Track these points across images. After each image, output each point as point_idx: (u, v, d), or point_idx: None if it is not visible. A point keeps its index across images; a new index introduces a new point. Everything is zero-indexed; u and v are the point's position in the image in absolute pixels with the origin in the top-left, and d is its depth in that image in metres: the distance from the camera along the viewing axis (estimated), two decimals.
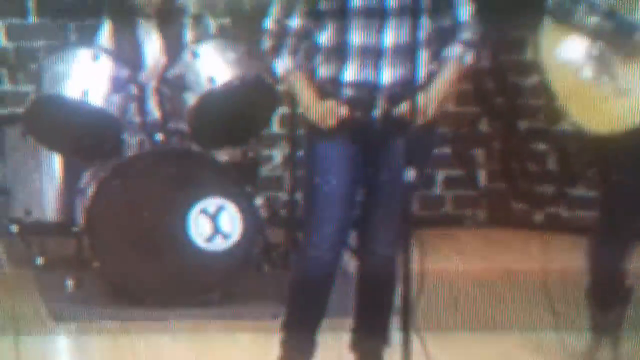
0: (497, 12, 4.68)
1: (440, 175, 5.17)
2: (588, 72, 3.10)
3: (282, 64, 2.96)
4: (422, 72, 2.84)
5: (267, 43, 2.98)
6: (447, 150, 5.11)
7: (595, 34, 3.06)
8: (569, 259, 3.67)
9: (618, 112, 3.07)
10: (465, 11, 2.94)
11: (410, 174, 2.68)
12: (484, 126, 5.20)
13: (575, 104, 3.15)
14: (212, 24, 4.24)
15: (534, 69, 4.67)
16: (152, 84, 4.04)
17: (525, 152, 5.10)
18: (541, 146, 5.05)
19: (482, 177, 5.24)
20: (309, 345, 3.02)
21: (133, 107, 4.04)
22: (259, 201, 4.10)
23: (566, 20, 3.09)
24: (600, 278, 3.27)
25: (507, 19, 4.80)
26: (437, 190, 5.19)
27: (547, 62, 3.17)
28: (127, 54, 4.07)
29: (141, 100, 4.04)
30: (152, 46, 4.14)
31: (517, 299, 3.94)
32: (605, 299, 3.26)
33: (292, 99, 3.07)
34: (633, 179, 3.14)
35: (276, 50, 2.96)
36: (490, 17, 4.69)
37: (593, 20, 3.04)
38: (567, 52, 3.13)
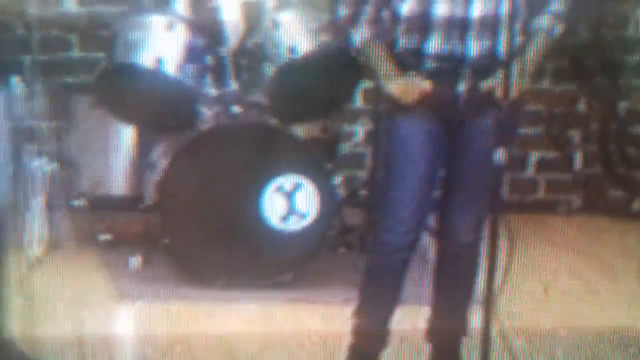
0: None
1: (533, 157, 5.13)
2: None
3: (360, 34, 2.94)
4: (510, 44, 2.77)
5: (344, 11, 2.95)
6: (540, 130, 5.08)
7: None
8: None
9: None
10: None
11: (499, 155, 2.65)
12: (581, 106, 5.14)
13: None
14: None
15: (638, 46, 4.85)
16: (232, 53, 4.02)
17: (626, 135, 5.04)
18: None
19: (578, 160, 5.17)
20: (382, 333, 3.03)
21: (209, 77, 4.03)
22: (337, 180, 4.09)
23: None
24: None
25: None
26: (529, 173, 5.14)
27: None
28: (205, 21, 4.06)
29: (218, 71, 4.04)
30: (230, 12, 4.12)
31: (612, 293, 3.93)
32: None
33: (372, 73, 2.99)
34: None
35: (354, 19, 2.93)
36: None
37: None
38: None
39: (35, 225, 2.96)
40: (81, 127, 4.31)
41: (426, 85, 2.87)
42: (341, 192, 4.18)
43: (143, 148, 4.21)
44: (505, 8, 2.79)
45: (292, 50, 3.84)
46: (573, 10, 2.93)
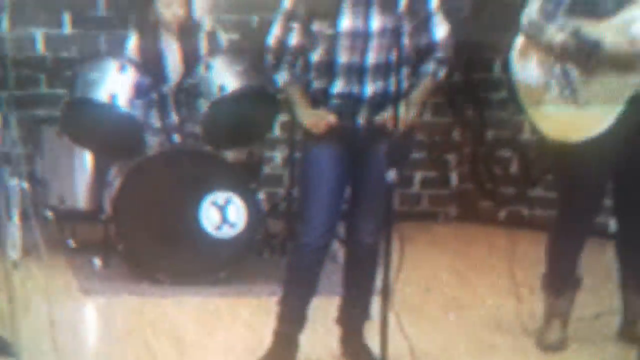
0: (470, 34, 4.77)
1: (418, 176, 5.19)
2: (552, 86, 3.05)
3: (281, 77, 2.97)
4: (400, 85, 2.80)
5: (268, 58, 2.98)
6: (423, 154, 5.13)
7: (560, 51, 2.99)
8: (528, 251, 3.66)
9: (577, 123, 3.04)
10: (439, 32, 2.92)
11: (391, 174, 2.69)
12: (456, 134, 5.21)
13: (538, 115, 3.11)
14: (223, 39, 4.19)
15: (500, 85, 4.82)
16: (172, 91, 4.02)
17: (492, 158, 5.10)
18: (506, 153, 5.04)
19: (454, 178, 5.25)
20: (301, 318, 3.03)
21: (154, 111, 4.02)
22: (261, 195, 4.10)
23: (536, 37, 3.02)
24: (554, 268, 3.25)
25: (480, 40, 4.84)
26: (415, 188, 5.20)
27: (514, 76, 3.14)
28: (151, 63, 4.04)
29: (161, 105, 4.02)
30: (173, 57, 4.11)
31: (483, 284, 3.97)
32: (558, 286, 3.24)
33: (290, 107, 3.05)
34: (586, 182, 3.11)
35: (276, 65, 2.97)
36: (463, 39, 4.82)
37: (560, 37, 2.97)
38: (534, 68, 3.09)
39: (13, 234, 2.93)
40: (49, 152, 4.29)
41: (332, 118, 2.89)
42: (264, 205, 4.18)
43: (100, 170, 4.20)
44: (394, 57, 2.80)
45: (222, 88, 3.83)
46: (452, 57, 2.95)
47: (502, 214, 5.06)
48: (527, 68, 3.12)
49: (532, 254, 3.49)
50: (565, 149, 3.05)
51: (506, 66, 3.19)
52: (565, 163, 3.14)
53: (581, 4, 2.99)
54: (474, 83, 5.12)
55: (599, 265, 3.74)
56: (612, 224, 3.44)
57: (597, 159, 3.05)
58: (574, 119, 3.05)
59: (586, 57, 2.97)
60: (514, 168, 5.06)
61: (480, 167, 5.16)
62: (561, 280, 3.25)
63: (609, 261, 3.43)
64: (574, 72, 3.01)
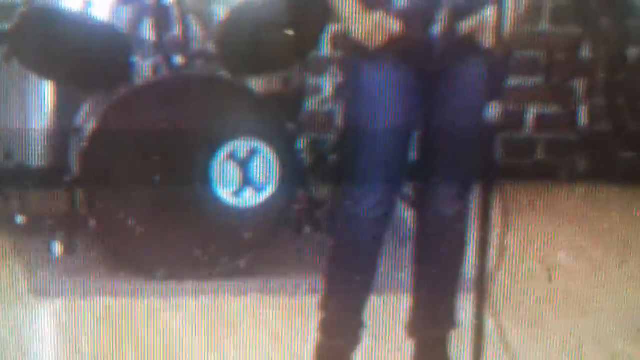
0: None
1: (531, 113, 5.15)
2: None
3: None
4: None
5: None
6: (540, 80, 5.10)
7: None
8: None
9: None
10: None
11: (488, 111, 2.66)
12: (586, 52, 5.14)
13: None
14: None
15: None
16: None
17: (636, 87, 5.05)
18: None
19: (582, 116, 5.19)
20: (354, 327, 3.03)
21: (147, 22, 4.01)
22: (302, 144, 4.07)
23: None
24: None
25: None
26: (527, 132, 5.17)
27: None
28: None
29: (158, 14, 3.98)
30: None
31: (621, 272, 3.96)
32: None
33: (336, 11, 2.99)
34: None
35: None
36: None
37: None
38: None
39: None
40: None
41: (396, 26, 2.85)
42: (307, 158, 4.15)
43: (66, 109, 4.13)
44: None
45: None
46: None
47: None
48: None
49: None
50: None
51: None
52: None
53: None
54: None
55: None
56: None
57: None
58: None
59: None
60: None
61: (621, 100, 5.10)
62: None
63: None
64: None
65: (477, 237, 2.65)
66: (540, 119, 5.16)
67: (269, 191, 3.87)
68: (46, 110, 4.23)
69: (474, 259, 2.67)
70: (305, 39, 4.02)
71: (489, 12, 2.78)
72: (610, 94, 5.13)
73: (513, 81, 4.89)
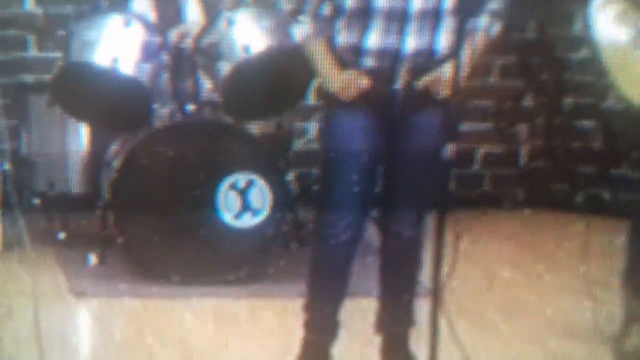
0: None
1: (480, 152, 5.16)
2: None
3: (302, 27, 2.88)
4: (448, 42, 2.78)
5: (286, 5, 2.94)
6: (488, 125, 5.10)
7: None
8: (609, 243, 3.61)
9: None
10: None
11: (442, 150, 2.62)
12: (528, 101, 5.17)
13: (626, 80, 3.06)
14: None
15: (582, 43, 4.75)
16: (188, 51, 4.01)
17: (570, 130, 5.06)
18: (586, 123, 5.02)
19: (523, 154, 5.22)
20: (332, 326, 3.00)
21: (165, 76, 4.01)
22: (290, 176, 4.12)
23: None
24: (635, 262, 3.20)
25: None
26: (476, 167, 5.18)
27: (597, 35, 3.08)
28: (163, 19, 4.07)
29: (173, 69, 4.01)
30: (192, 10, 4.15)
31: (553, 282, 3.93)
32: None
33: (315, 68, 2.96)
34: None
35: (297, 13, 2.88)
36: None
37: None
38: (620, 25, 3.05)
39: None
40: (37, 125, 4.30)
41: (364, 81, 2.83)
42: (294, 188, 4.20)
43: (98, 147, 4.20)
44: (446, 3, 2.79)
45: (246, 49, 3.81)
46: (515, 9, 2.93)
47: (580, 198, 5.05)
48: (609, 22, 3.07)
49: (613, 246, 3.46)
50: None
51: (587, 20, 3.13)
52: None
53: None
54: (550, 40, 5.09)
55: None
56: None
57: None
58: None
59: None
60: (596, 142, 5.01)
61: (556, 141, 5.11)
62: None
63: None
64: None
65: (434, 253, 2.61)
66: (487, 157, 5.16)
67: (263, 215, 3.89)
68: (82, 147, 4.26)
69: (431, 270, 2.63)
70: (293, 92, 4.01)
71: (445, 69, 2.77)
72: (548, 137, 5.12)
73: (465, 126, 4.84)
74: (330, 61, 2.86)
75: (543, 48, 5.09)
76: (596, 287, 3.37)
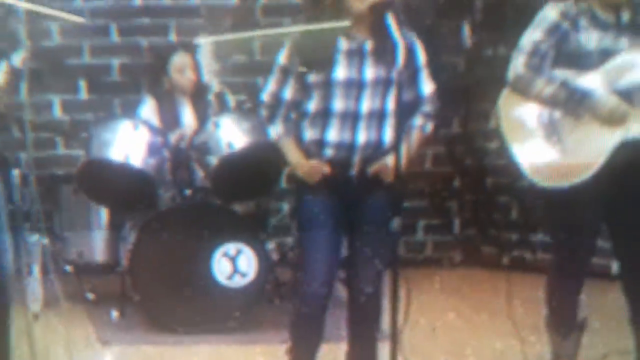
0: (465, 87, 4.94)
1: (422, 224, 5.18)
2: (540, 134, 3.03)
3: (275, 129, 2.95)
4: (391, 137, 2.82)
5: (263, 112, 2.97)
6: (426, 202, 5.14)
7: (551, 101, 2.99)
8: (533, 294, 3.55)
9: (565, 168, 3.01)
10: (426, 88, 2.94)
11: (394, 222, 2.66)
12: (456, 182, 5.22)
13: (530, 162, 3.05)
14: (230, 99, 4.25)
15: (497, 135, 4.94)
16: (183, 149, 4.05)
17: (492, 204, 5.10)
18: (505, 199, 5.04)
19: (456, 225, 5.25)
20: None
21: (166, 167, 4.04)
22: (270, 245, 4.12)
23: (525, 90, 3.02)
24: (555, 309, 3.20)
25: (475, 92, 4.90)
26: (420, 235, 5.19)
27: (505, 127, 3.10)
28: (164, 124, 4.11)
29: (173, 162, 4.05)
30: (187, 116, 4.20)
31: (489, 327, 3.94)
32: (562, 327, 3.19)
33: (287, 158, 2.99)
34: (577, 225, 3.06)
35: (271, 118, 2.95)
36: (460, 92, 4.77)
37: (549, 89, 2.98)
38: (523, 118, 3.06)
39: (34, 287, 2.94)
40: (66, 208, 4.32)
41: (325, 168, 2.86)
42: (274, 255, 4.20)
43: (116, 224, 4.23)
44: (387, 107, 2.84)
45: (230, 145, 3.85)
46: (442, 110, 2.97)
47: (505, 258, 5.03)
48: (512, 113, 3.09)
49: (536, 296, 3.43)
50: (555, 192, 3.02)
51: (498, 115, 3.16)
52: (555, 207, 3.10)
53: (565, 57, 3.00)
54: (472, 133, 5.15)
55: (604, 306, 3.72)
56: (615, 266, 3.40)
57: (586, 202, 3.01)
58: (559, 164, 3.02)
59: (576, 105, 2.97)
60: (514, 214, 5.06)
61: (482, 214, 5.15)
62: (564, 322, 3.20)
63: (614, 302, 3.38)
64: (562, 120, 3.01)
65: (390, 304, 2.65)
66: (427, 227, 5.19)
67: (250, 276, 3.90)
68: (103, 225, 4.28)
69: (389, 318, 2.67)
70: (268, 178, 4.00)
71: (389, 160, 2.81)
72: (475, 210, 5.16)
73: (408, 203, 4.85)
74: (298, 153, 2.90)
75: (465, 140, 5.16)
76: (523, 330, 3.30)
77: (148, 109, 4.21)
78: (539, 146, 3.04)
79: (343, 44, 2.85)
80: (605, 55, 2.98)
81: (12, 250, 2.94)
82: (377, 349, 3.02)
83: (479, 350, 3.67)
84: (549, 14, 3.01)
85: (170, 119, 4.18)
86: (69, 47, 4.85)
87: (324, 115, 2.85)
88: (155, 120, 4.14)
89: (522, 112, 3.07)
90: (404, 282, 2.67)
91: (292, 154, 2.92)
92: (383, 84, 2.84)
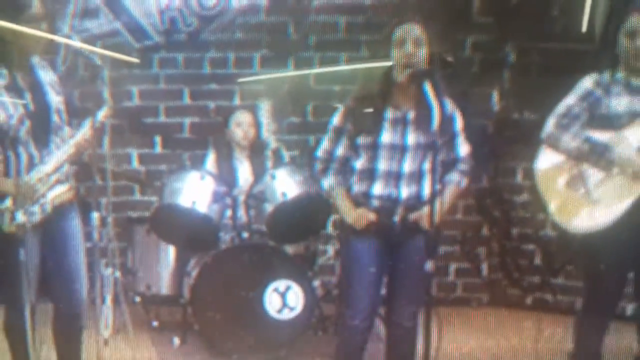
0: (495, 147, 4.88)
1: (453, 267, 5.09)
2: (568, 185, 3.06)
3: (328, 182, 3.00)
4: (431, 190, 2.82)
5: (318, 166, 3.01)
6: (457, 248, 5.05)
7: (576, 154, 3.03)
8: (554, 332, 3.53)
9: (591, 217, 3.00)
10: (462, 150, 2.96)
11: (429, 264, 2.67)
12: (485, 231, 5.11)
13: (558, 212, 3.07)
14: (285, 154, 4.28)
15: (522, 189, 4.83)
16: (242, 197, 4.07)
17: (518, 251, 4.98)
18: (530, 246, 4.92)
19: (484, 269, 5.14)
20: None
21: (227, 213, 4.05)
22: (316, 283, 4.08)
23: (554, 145, 3.05)
24: (582, 347, 3.12)
25: (503, 151, 4.86)
26: (451, 277, 5.09)
27: (537, 180, 3.12)
28: (225, 175, 4.14)
29: (233, 209, 4.06)
30: (243, 170, 4.21)
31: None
32: None
33: (337, 207, 3.02)
34: (603, 271, 3.01)
35: (324, 172, 3.00)
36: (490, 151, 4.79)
37: (574, 143, 3.01)
38: (553, 170, 3.10)
39: (106, 315, 2.93)
40: (139, 246, 4.30)
41: (372, 215, 2.89)
42: (319, 291, 4.15)
43: (181, 261, 4.21)
44: (425, 167, 2.88)
45: (284, 194, 3.85)
46: (474, 168, 2.99)
47: (529, 299, 4.92)
48: (547, 169, 3.10)
49: (557, 335, 3.39)
50: (588, 241, 2.99)
51: (528, 173, 3.19)
52: (589, 254, 3.05)
53: (598, 119, 3.01)
54: (500, 187, 5.08)
55: (618, 346, 3.51)
56: (630, 308, 3.33)
57: (617, 249, 2.96)
58: (586, 212, 2.99)
59: (598, 158, 2.97)
60: (537, 260, 4.93)
61: (508, 259, 5.04)
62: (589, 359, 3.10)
63: (628, 343, 3.29)
64: (590, 175, 3.01)
65: (424, 339, 2.66)
66: (458, 270, 5.08)
67: (297, 310, 3.86)
68: (170, 262, 4.24)
69: (422, 351, 2.67)
70: (316, 224, 3.97)
71: (427, 209, 2.81)
72: (501, 256, 5.02)
73: (442, 248, 4.83)
74: (348, 202, 2.93)
75: (494, 193, 5.08)
76: None
77: (210, 161, 4.23)
78: (570, 196, 3.03)
79: (389, 112, 2.86)
80: (635, 116, 2.97)
81: (88, 282, 2.96)
82: None
83: None
84: (585, 83, 3.05)
85: (227, 168, 4.19)
86: (147, 108, 4.91)
87: (371, 172, 2.89)
88: (214, 170, 4.15)
89: (554, 168, 3.08)
90: (436, 319, 2.67)
91: (343, 202, 2.94)
92: (423, 148, 2.87)
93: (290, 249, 4.10)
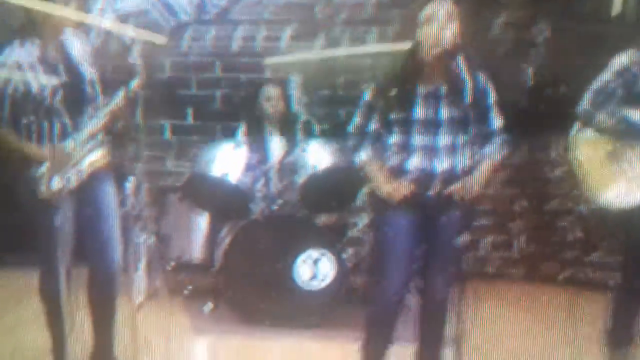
0: (530, 121, 4.76)
1: (486, 240, 5.04)
2: (605, 163, 3.04)
3: (361, 156, 2.98)
4: (466, 163, 2.86)
5: (350, 142, 3.01)
6: (491, 221, 5.00)
7: (611, 133, 3.02)
8: (587, 309, 3.51)
9: (628, 193, 3.00)
10: (496, 123, 2.92)
11: (462, 238, 2.72)
12: (520, 205, 5.05)
13: (594, 187, 3.07)
14: (316, 127, 4.25)
15: (558, 164, 4.79)
16: (274, 169, 4.08)
17: (553, 226, 4.95)
18: (565, 222, 4.87)
19: (518, 242, 5.07)
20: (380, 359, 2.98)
21: (259, 183, 4.06)
22: (347, 254, 4.08)
23: (588, 122, 3.05)
24: (621, 326, 3.12)
25: (539, 125, 4.76)
26: (483, 251, 5.04)
27: (574, 156, 3.13)
28: (257, 147, 4.14)
29: (265, 179, 4.08)
30: (274, 143, 4.21)
31: (547, 336, 3.80)
32: (620, 341, 3.11)
33: (372, 180, 3.02)
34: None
35: (358, 146, 2.99)
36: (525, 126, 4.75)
37: (610, 123, 3.02)
38: (588, 145, 3.10)
39: (139, 281, 2.98)
40: (173, 214, 4.33)
41: (408, 189, 2.89)
42: (349, 262, 4.14)
43: (214, 229, 4.23)
44: (460, 140, 2.87)
45: (314, 166, 3.89)
46: (512, 140, 2.95)
47: (562, 275, 4.86)
48: (584, 147, 3.11)
49: (591, 311, 3.34)
50: (627, 216, 2.99)
51: (565, 147, 3.16)
52: (628, 230, 3.05)
53: (635, 97, 2.98)
54: (535, 162, 5.01)
55: None
56: None
57: None
58: (623, 188, 3.01)
59: (633, 139, 2.98)
60: (571, 235, 4.89)
61: (542, 234, 4.97)
62: (626, 338, 3.12)
63: None
64: (625, 152, 3.01)
65: (457, 312, 2.69)
66: (493, 244, 5.04)
67: (328, 280, 3.87)
68: (202, 230, 4.26)
69: (455, 324, 2.71)
70: (346, 196, 4.02)
71: (460, 183, 2.86)
72: (536, 231, 4.95)
73: (476, 222, 4.81)
74: (383, 176, 2.93)
75: (530, 167, 5.00)
76: (580, 342, 3.24)
77: (242, 133, 4.23)
78: (606, 172, 3.03)
79: (421, 88, 2.85)
80: None
81: (122, 248, 2.99)
82: (443, 351, 3.01)
83: (537, 358, 3.56)
84: (622, 59, 3.01)
85: (258, 141, 4.19)
86: (180, 79, 4.93)
87: (405, 147, 2.89)
88: (246, 143, 4.16)
89: (589, 143, 3.08)
90: (469, 292, 2.70)
91: (379, 175, 2.93)
92: (456, 122, 2.87)
93: (321, 219, 4.11)
